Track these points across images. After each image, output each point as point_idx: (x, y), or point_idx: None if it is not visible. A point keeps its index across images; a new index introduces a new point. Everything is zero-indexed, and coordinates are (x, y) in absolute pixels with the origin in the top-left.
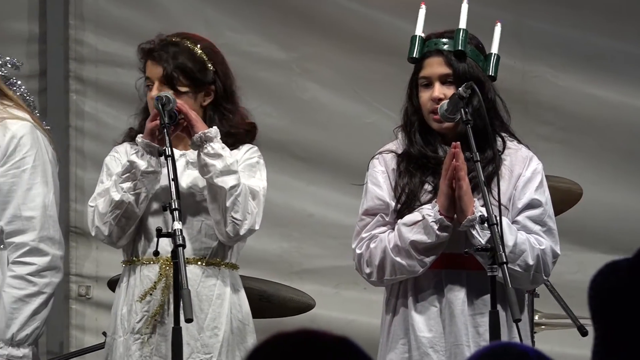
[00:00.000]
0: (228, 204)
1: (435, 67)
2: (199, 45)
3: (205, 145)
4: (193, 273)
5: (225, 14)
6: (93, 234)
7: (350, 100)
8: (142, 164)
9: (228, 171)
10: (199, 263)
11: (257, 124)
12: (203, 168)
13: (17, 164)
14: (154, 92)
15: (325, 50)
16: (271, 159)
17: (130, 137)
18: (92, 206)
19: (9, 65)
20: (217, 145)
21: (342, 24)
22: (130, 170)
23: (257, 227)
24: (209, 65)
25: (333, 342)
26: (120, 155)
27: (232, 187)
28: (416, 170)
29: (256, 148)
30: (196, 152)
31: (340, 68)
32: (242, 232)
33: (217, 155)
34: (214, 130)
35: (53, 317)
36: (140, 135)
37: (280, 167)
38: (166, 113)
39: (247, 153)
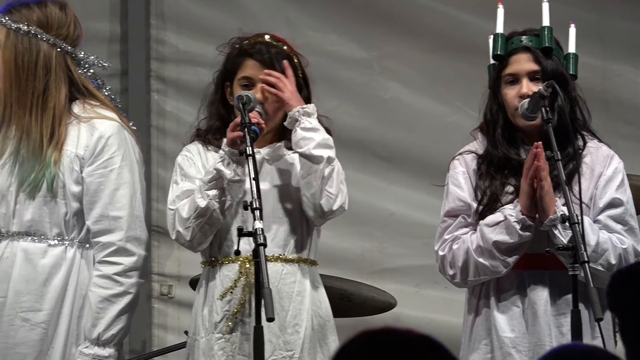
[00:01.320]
0: (325, 174)
1: (523, 63)
2: (285, 48)
3: (302, 120)
4: (273, 270)
5: (306, 14)
6: (173, 237)
7: (432, 99)
8: (228, 173)
9: (326, 144)
10: (279, 260)
11: (338, 123)
12: (300, 141)
13: (104, 163)
14: (258, 95)
15: (405, 49)
16: (352, 158)
17: (199, 137)
18: (172, 209)
19: (98, 65)
20: (315, 121)
21: (422, 22)
22: (216, 178)
23: (346, 207)
24: (299, 69)
25: (418, 340)
26: (193, 156)
27: (329, 159)
28: (497, 173)
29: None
30: (272, 148)
31: (421, 67)
32: (335, 206)
33: (315, 129)
34: (312, 107)
35: (136, 316)
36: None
37: (362, 166)
38: (247, 114)
39: None
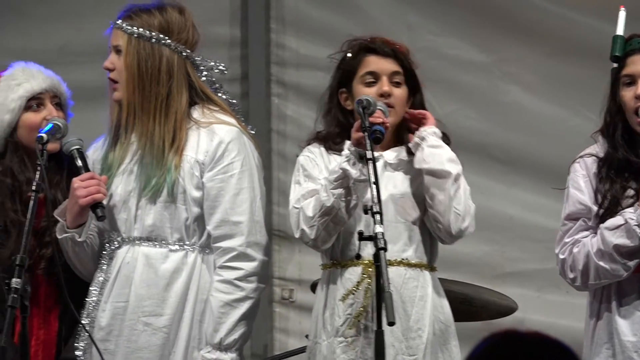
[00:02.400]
0: (452, 192)
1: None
2: (400, 47)
3: (429, 138)
4: (395, 274)
5: (426, 17)
6: (297, 236)
7: (552, 102)
8: (354, 173)
9: (453, 160)
10: (401, 265)
11: (458, 127)
12: (427, 157)
13: (224, 169)
14: (386, 88)
15: (525, 53)
16: (472, 162)
17: (319, 140)
18: (297, 208)
19: (215, 70)
20: (440, 140)
21: (542, 25)
22: (342, 177)
23: (474, 228)
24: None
25: (548, 344)
26: (316, 157)
27: (457, 176)
28: (617, 176)
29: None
30: (394, 151)
31: (541, 70)
32: (463, 226)
33: (442, 147)
34: (435, 127)
35: (257, 320)
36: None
37: (481, 169)
38: (367, 118)
39: None
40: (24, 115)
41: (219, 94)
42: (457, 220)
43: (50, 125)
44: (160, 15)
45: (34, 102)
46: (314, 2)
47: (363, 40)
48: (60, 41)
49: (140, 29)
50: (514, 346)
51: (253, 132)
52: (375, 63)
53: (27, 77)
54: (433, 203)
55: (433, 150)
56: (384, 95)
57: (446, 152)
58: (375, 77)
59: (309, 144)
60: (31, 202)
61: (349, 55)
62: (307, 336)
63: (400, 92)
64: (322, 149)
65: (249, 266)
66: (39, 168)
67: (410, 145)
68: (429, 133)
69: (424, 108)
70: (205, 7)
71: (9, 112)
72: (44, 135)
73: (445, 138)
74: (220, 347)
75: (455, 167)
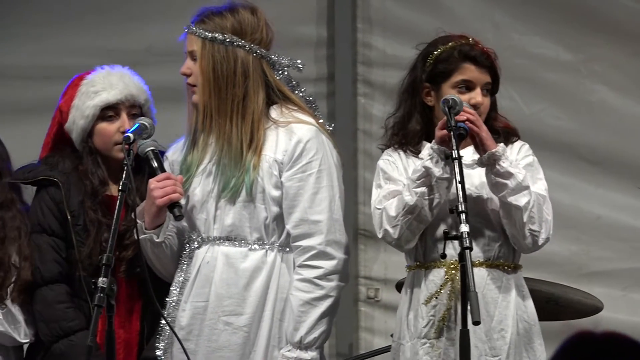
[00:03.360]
0: (525, 219)
1: None
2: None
3: (495, 165)
4: (478, 275)
5: (512, 16)
6: (380, 236)
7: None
8: (436, 171)
9: (520, 188)
10: (484, 265)
11: (544, 126)
12: (495, 186)
13: (303, 168)
14: (479, 99)
15: (612, 52)
16: (559, 161)
17: (396, 142)
18: (379, 208)
19: (292, 67)
20: (506, 163)
21: (629, 25)
22: (425, 175)
23: (550, 235)
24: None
25: (632, 345)
26: (395, 160)
27: (527, 203)
28: None
29: (527, 145)
30: (470, 152)
31: (628, 69)
32: (540, 242)
33: (508, 174)
34: (501, 148)
35: (342, 319)
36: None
37: (568, 168)
38: (453, 117)
39: (522, 151)
40: (98, 123)
41: (296, 92)
42: (533, 239)
43: (136, 125)
44: (233, 17)
45: (109, 111)
46: (401, 1)
47: (459, 41)
48: (146, 42)
49: (213, 33)
50: (591, 347)
51: (330, 128)
52: (472, 72)
53: (106, 85)
54: (506, 226)
55: (498, 180)
56: (475, 106)
57: (512, 180)
58: (469, 86)
59: (387, 147)
60: (118, 202)
61: (439, 52)
62: (392, 335)
63: (487, 101)
64: (401, 152)
65: (328, 264)
66: (125, 168)
67: (478, 161)
68: (491, 159)
69: (496, 110)
70: (291, 7)
71: (83, 118)
72: (130, 135)
73: (513, 134)
74: (301, 345)
75: (524, 197)
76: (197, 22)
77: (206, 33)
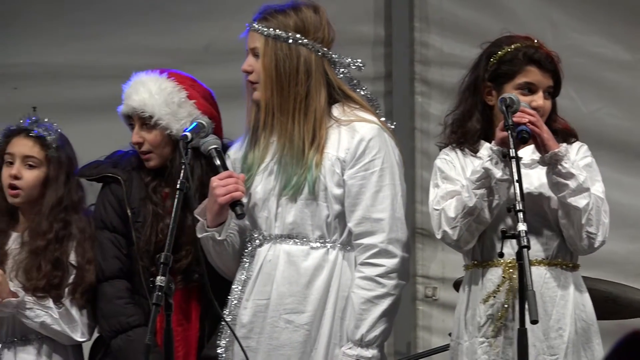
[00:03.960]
0: (583, 221)
1: None
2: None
3: (557, 165)
4: (536, 274)
5: (570, 15)
6: (439, 237)
7: None
8: (496, 172)
9: (581, 190)
10: (542, 264)
11: (602, 125)
12: (555, 186)
13: (365, 166)
14: (541, 102)
15: None
16: (616, 160)
17: (454, 141)
18: (437, 209)
19: (353, 67)
20: (568, 164)
21: None
22: (484, 177)
23: (606, 238)
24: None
25: None
26: (452, 159)
27: (586, 205)
28: None
29: (586, 146)
30: (529, 151)
31: None
32: (596, 244)
33: (569, 175)
34: (563, 149)
35: (400, 318)
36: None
37: (626, 167)
38: (510, 116)
39: (581, 152)
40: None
41: (357, 90)
42: (590, 242)
43: (194, 124)
44: (296, 15)
45: (129, 120)
46: (458, 0)
47: (524, 42)
48: (206, 40)
49: (277, 30)
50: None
51: (392, 126)
52: (535, 75)
53: (126, 95)
54: (563, 227)
55: (558, 180)
56: (536, 109)
57: (572, 181)
58: (532, 88)
59: (445, 145)
60: (175, 200)
61: (503, 52)
62: (450, 334)
63: (548, 104)
64: (458, 151)
65: (390, 263)
66: (182, 166)
67: (540, 160)
68: (554, 159)
69: (555, 112)
70: (350, 6)
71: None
72: (188, 134)
73: (572, 135)
74: (362, 343)
75: (582, 200)
76: (259, 19)
77: (269, 30)
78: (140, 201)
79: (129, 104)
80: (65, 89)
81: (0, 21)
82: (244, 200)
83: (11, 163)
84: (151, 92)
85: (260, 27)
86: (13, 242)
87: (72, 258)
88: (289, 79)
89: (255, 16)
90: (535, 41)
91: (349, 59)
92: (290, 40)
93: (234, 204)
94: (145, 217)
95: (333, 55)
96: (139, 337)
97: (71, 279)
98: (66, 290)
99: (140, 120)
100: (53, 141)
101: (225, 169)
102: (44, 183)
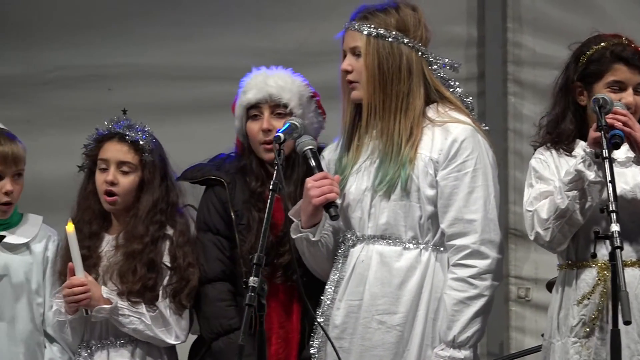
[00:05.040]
0: None
1: None
2: None
3: None
4: (630, 275)
5: None
6: (532, 238)
7: None
8: (589, 174)
9: None
10: (636, 265)
11: None
12: None
13: (458, 167)
14: (630, 99)
15: None
16: None
17: (549, 141)
18: (530, 210)
19: (447, 67)
20: None
21: None
22: (577, 179)
23: None
24: None
25: None
26: (547, 159)
27: None
28: None
29: None
30: (623, 150)
31: None
32: None
33: None
34: None
35: (493, 318)
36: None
37: None
38: (603, 117)
39: None
40: (248, 123)
41: (452, 90)
42: None
43: (287, 125)
44: (397, 13)
45: (253, 110)
46: (551, 0)
47: (611, 41)
48: (297, 41)
49: (379, 29)
50: None
51: (487, 129)
52: (624, 73)
53: (251, 86)
54: None
55: None
56: (627, 107)
57: None
58: (621, 86)
59: (540, 145)
60: (268, 201)
61: (592, 52)
62: (542, 335)
63: (639, 100)
64: (553, 151)
65: (482, 264)
66: (276, 167)
67: (634, 159)
68: None
69: None
70: (442, 6)
71: (237, 119)
72: (281, 134)
73: None
74: (454, 344)
75: None
76: (360, 18)
77: (371, 29)
78: (244, 204)
79: (265, 89)
80: (160, 90)
81: (96, 23)
82: (338, 201)
83: (105, 169)
84: (286, 81)
85: (361, 26)
86: (106, 244)
87: (166, 259)
88: (391, 78)
89: (353, 15)
90: (624, 39)
91: (447, 59)
92: (392, 39)
93: (328, 205)
94: (249, 222)
95: (430, 55)
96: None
97: (165, 281)
98: (160, 292)
99: (271, 108)
100: (146, 144)
101: (320, 169)
102: (139, 187)
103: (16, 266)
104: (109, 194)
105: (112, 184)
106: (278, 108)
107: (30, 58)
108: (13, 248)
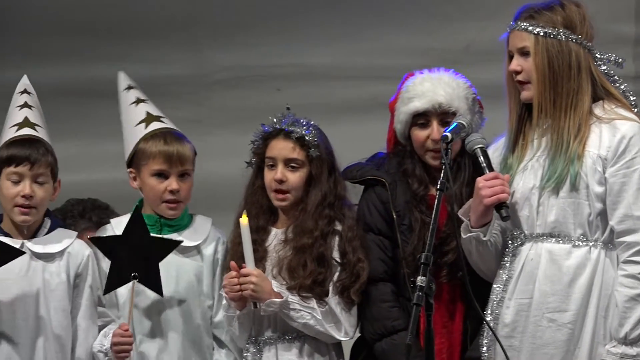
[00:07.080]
0: None
1: None
2: None
3: None
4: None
5: None
6: None
7: None
8: None
9: None
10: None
11: None
12: None
13: (627, 164)
14: None
15: None
16: None
17: None
18: None
19: (612, 63)
20: None
21: None
22: None
23: None
24: None
25: None
26: None
27: None
28: None
29: None
30: None
31: None
32: None
33: None
34: None
35: None
36: None
37: None
38: None
39: None
40: (413, 129)
41: (616, 86)
42: None
43: (454, 124)
44: (563, 10)
45: (420, 119)
46: None
47: None
48: (466, 40)
49: (546, 28)
50: None
51: None
52: None
53: (417, 93)
54: None
55: None
56: None
57: None
58: None
59: None
60: (436, 201)
61: None
62: None
63: None
64: None
65: None
66: (443, 167)
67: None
68: None
69: None
70: (609, 4)
71: (400, 123)
72: (448, 134)
73: None
74: (626, 341)
75: None
76: (526, 18)
77: (538, 28)
78: (405, 204)
79: (434, 99)
80: (327, 89)
81: (261, 23)
82: (507, 201)
83: (273, 166)
84: (453, 87)
85: (528, 26)
86: (273, 238)
87: (336, 255)
88: (562, 75)
89: (517, 15)
90: None
91: (612, 55)
92: (560, 37)
93: (500, 205)
94: (411, 224)
95: (596, 51)
96: (404, 341)
97: (335, 277)
98: (330, 287)
99: (439, 116)
100: (312, 139)
101: (491, 168)
102: (307, 182)
103: (187, 268)
104: (280, 192)
105: (281, 181)
106: (447, 116)
107: (199, 59)
108: (184, 250)
